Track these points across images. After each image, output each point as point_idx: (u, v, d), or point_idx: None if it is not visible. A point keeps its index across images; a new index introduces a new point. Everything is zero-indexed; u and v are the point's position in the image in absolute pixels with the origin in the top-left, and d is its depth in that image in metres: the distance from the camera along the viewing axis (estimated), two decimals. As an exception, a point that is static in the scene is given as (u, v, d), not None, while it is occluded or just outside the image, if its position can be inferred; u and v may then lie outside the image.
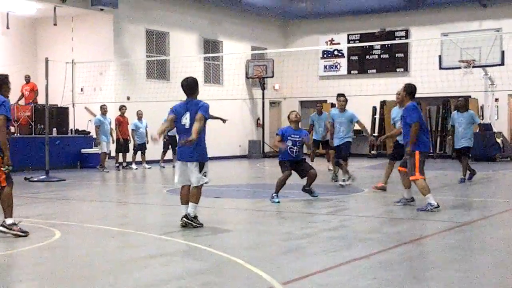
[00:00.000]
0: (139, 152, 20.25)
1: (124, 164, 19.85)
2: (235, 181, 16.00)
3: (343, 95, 14.63)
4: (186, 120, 8.32)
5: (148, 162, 20.46)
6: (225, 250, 6.93)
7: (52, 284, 5.75)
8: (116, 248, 7.20)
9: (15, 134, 18.51)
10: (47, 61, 16.60)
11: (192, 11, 24.77)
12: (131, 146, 20.23)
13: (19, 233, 7.74)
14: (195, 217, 8.34)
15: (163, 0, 23.54)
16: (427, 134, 10.46)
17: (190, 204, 8.34)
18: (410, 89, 10.42)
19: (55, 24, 21.13)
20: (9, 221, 7.81)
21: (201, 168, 8.31)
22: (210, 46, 26.02)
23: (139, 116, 20.20)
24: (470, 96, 24.39)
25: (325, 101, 26.17)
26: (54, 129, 19.16)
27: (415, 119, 9.95)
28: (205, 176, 8.38)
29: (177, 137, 8.65)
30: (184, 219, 8.28)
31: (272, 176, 15.92)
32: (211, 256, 6.74)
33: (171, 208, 11.15)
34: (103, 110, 19.00)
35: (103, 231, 8.28)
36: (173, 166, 19.78)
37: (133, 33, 22.61)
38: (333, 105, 25.87)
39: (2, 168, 7.72)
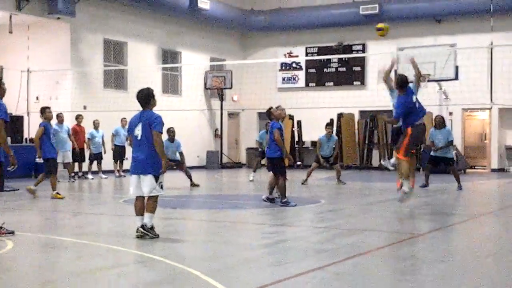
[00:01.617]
0: (95, 162, 20.05)
1: (80, 174, 19.62)
2: (193, 192, 15.93)
3: (330, 124, 15.58)
4: (138, 131, 8.28)
5: (104, 172, 20.26)
6: (181, 261, 6.89)
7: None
8: (70, 259, 7.10)
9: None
10: (1, 69, 16.35)
11: (151, 21, 24.69)
12: (87, 155, 20.01)
13: (7, 234, 8.28)
14: (152, 227, 8.27)
15: (121, 10, 23.40)
16: (416, 116, 10.82)
17: (147, 214, 8.27)
18: (397, 81, 10.97)
19: (10, 32, 20.81)
20: None
21: (156, 179, 8.25)
22: (169, 57, 25.96)
23: (96, 126, 20.02)
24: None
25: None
26: (9, 138, 18.78)
27: (395, 116, 10.82)
28: (161, 187, 8.34)
29: (132, 147, 8.53)
30: (140, 229, 8.21)
31: (230, 187, 15.93)
32: (166, 267, 6.69)
33: (127, 218, 11.05)
34: (60, 118, 18.73)
35: (57, 242, 8.16)
36: (117, 176, 19.81)
37: (91, 42, 22.41)
38: (291, 117, 26.09)
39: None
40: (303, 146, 27.08)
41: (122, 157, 20.43)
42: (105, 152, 20.23)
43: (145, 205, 8.34)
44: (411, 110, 10.71)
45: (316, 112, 25.24)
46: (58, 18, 20.95)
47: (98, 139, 20.02)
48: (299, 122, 26.94)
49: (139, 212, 8.35)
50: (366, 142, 26.05)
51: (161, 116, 8.37)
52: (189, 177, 16.63)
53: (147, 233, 8.18)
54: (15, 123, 19.67)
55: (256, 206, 12.28)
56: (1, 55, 22.20)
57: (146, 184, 8.23)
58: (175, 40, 25.98)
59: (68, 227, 9.74)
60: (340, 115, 26.14)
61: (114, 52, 23.62)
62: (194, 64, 26.20)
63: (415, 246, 8.21)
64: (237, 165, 28.03)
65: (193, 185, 16.57)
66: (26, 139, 20.20)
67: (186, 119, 25.36)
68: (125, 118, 19.92)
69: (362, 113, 26.63)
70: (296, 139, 26.98)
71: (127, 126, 19.78)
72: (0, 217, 8.72)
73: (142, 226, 8.21)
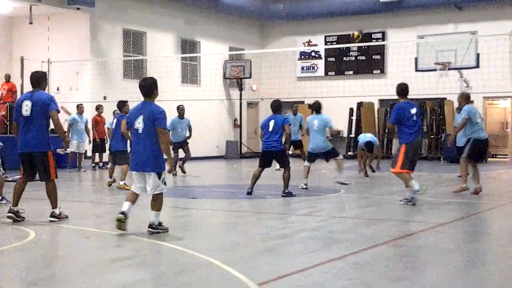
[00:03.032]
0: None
1: (101, 164, 19.72)
2: (212, 182, 15.97)
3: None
4: (139, 124, 7.80)
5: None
6: (201, 251, 6.91)
7: (25, 286, 5.71)
8: (92, 248, 7.15)
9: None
10: (22, 60, 16.46)
11: (169, 11, 24.70)
12: (107, 146, 20.05)
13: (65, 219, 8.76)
14: (160, 224, 7.97)
15: (140, 0, 23.43)
16: (412, 129, 10.68)
17: (153, 212, 7.92)
18: (397, 89, 11.00)
19: (31, 23, 20.93)
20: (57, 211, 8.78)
21: (159, 177, 7.88)
22: (188, 46, 25.97)
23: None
24: (445, 98, 24.66)
25: (303, 102, 26.28)
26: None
27: (390, 121, 10.94)
28: (164, 183, 7.96)
29: (132, 141, 8.09)
30: (149, 229, 7.87)
31: (249, 177, 15.94)
32: (187, 257, 6.72)
33: (147, 208, 11.11)
34: (80, 109, 18.85)
35: (79, 232, 8.22)
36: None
37: (110, 33, 22.48)
38: (310, 106, 25.98)
39: None
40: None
41: None
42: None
43: (149, 201, 8.01)
44: (407, 121, 10.62)
45: (335, 101, 25.13)
46: (78, 8, 21.05)
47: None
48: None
49: (131, 198, 7.96)
50: (386, 131, 25.91)
51: (164, 110, 7.93)
52: (185, 161, 16.67)
53: (157, 231, 7.88)
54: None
55: (276, 196, 12.27)
56: (22, 46, 22.36)
57: (149, 183, 7.86)
58: (194, 29, 25.97)
59: (89, 217, 9.80)
60: (360, 104, 26.02)
61: (134, 42, 23.68)
62: (213, 53, 26.20)
63: (435, 236, 8.16)
64: (256, 155, 28.00)
65: (183, 170, 16.52)
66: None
67: (205, 109, 25.39)
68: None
69: (381, 102, 26.47)
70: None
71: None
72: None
73: (150, 226, 7.88)
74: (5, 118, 18.96)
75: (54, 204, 8.77)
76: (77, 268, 6.31)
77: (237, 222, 9.40)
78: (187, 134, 16.95)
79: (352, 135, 25.86)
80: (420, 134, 10.89)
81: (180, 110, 16.75)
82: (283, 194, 12.04)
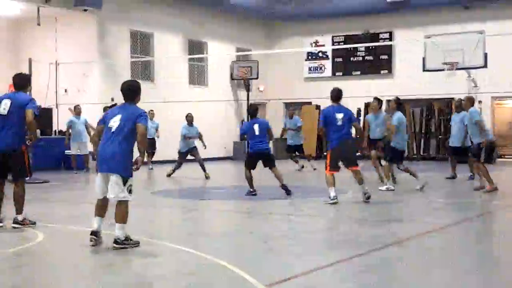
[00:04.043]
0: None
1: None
2: (219, 183, 15.97)
3: (376, 98, 15.48)
4: (114, 123, 7.12)
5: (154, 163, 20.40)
6: (208, 251, 6.92)
7: None
8: (100, 250, 7.16)
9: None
10: (30, 61, 16.52)
11: (176, 12, 24.72)
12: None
13: (31, 226, 8.43)
14: (127, 238, 7.11)
15: (147, 1, 23.47)
16: (336, 134, 10.91)
17: (117, 225, 7.05)
18: (330, 94, 11.34)
19: (38, 24, 20.99)
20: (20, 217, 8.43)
21: (124, 182, 7.08)
22: (195, 47, 25.98)
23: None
24: (453, 98, 24.59)
25: (310, 102, 26.28)
26: (38, 130, 18.99)
27: (319, 124, 11.26)
28: (129, 192, 7.13)
29: (101, 140, 7.33)
30: (114, 245, 7.04)
31: (256, 177, 15.95)
32: (193, 258, 6.73)
33: (156, 210, 11.15)
34: (77, 110, 18.76)
35: (86, 233, 8.22)
36: (150, 168, 19.85)
37: (117, 34, 22.53)
38: (318, 107, 25.98)
39: None
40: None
41: (153, 150, 20.41)
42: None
43: (106, 209, 7.29)
44: (332, 126, 10.87)
45: (343, 102, 25.05)
46: (85, 10, 21.07)
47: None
48: (326, 112, 26.80)
49: (99, 212, 7.24)
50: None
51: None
52: (203, 166, 16.60)
53: (123, 246, 7.04)
54: (44, 116, 19.88)
55: (283, 196, 12.27)
56: (30, 47, 22.42)
57: (112, 185, 7.05)
58: (201, 30, 25.99)
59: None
60: (367, 104, 25.97)
61: (141, 43, 23.72)
62: (220, 54, 26.21)
63: (443, 237, 8.14)
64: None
65: (207, 176, 16.50)
66: (55, 131, 20.40)
67: (213, 110, 25.41)
68: (152, 110, 20.00)
69: (389, 102, 26.40)
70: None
71: (154, 119, 20.07)
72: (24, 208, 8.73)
73: (116, 241, 7.05)
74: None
75: (20, 210, 8.41)
76: (84, 269, 6.32)
77: (244, 223, 9.41)
78: (195, 143, 16.89)
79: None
80: (346, 137, 10.98)
81: (189, 117, 16.77)
82: (285, 189, 12.30)
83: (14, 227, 8.35)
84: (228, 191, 14.24)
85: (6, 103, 8.42)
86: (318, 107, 26.24)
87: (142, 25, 23.45)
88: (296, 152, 19.47)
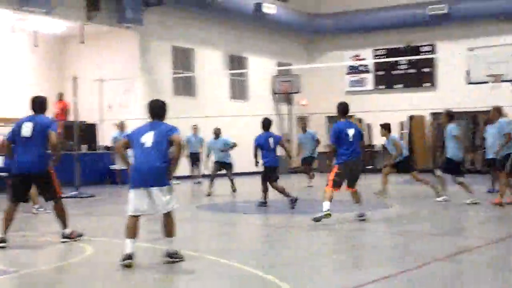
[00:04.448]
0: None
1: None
2: (261, 197, 15.93)
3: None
4: (147, 139, 7.09)
5: (177, 178, 20.47)
6: (254, 266, 6.89)
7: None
8: (146, 264, 7.19)
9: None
10: (75, 78, 16.77)
11: (217, 27, 24.90)
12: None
13: (78, 238, 8.51)
14: (176, 252, 7.13)
15: (188, 17, 23.69)
16: (347, 150, 10.42)
17: (168, 239, 7.11)
18: (338, 108, 10.74)
19: (82, 42, 21.37)
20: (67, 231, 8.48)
21: (169, 190, 7.07)
22: (236, 62, 26.11)
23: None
24: (498, 111, 24.21)
25: (351, 116, 26.11)
26: (83, 146, 19.33)
27: (330, 141, 10.71)
28: (174, 200, 7.15)
29: (134, 157, 7.21)
30: (167, 259, 7.06)
31: (300, 192, 15.88)
32: (240, 273, 6.70)
33: (200, 223, 11.18)
34: (121, 126, 19.00)
35: (135, 247, 8.27)
36: (195, 182, 19.92)
37: (159, 50, 22.78)
38: (360, 120, 25.84)
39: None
40: (373, 150, 26.77)
41: (197, 163, 20.48)
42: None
43: (162, 224, 7.17)
44: (344, 142, 10.39)
45: (385, 115, 24.86)
46: (127, 27, 21.41)
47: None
48: (368, 126, 26.65)
49: (132, 233, 7.05)
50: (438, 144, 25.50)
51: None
52: (231, 178, 16.66)
53: (174, 260, 7.08)
54: (89, 131, 20.19)
55: (334, 210, 12.15)
56: (74, 64, 22.82)
57: (155, 199, 6.99)
58: (241, 45, 26.12)
59: (144, 233, 9.84)
60: (411, 118, 25.72)
61: (182, 59, 23.94)
62: (261, 69, 26.28)
63: (494, 251, 7.97)
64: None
65: (233, 189, 16.50)
66: (99, 146, 20.68)
67: (254, 124, 25.41)
68: (195, 125, 20.13)
69: (433, 115, 26.10)
70: (366, 142, 26.69)
71: (197, 133, 20.18)
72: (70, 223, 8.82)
73: (169, 255, 7.07)
74: (60, 136, 19.34)
75: (64, 224, 8.50)
76: (132, 282, 6.35)
77: (289, 237, 9.35)
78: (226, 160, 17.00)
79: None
80: (357, 156, 10.47)
81: (217, 130, 17.11)
82: (292, 200, 12.60)
83: (63, 242, 8.39)
84: (272, 205, 14.17)
85: (28, 125, 8.41)
86: (360, 120, 26.10)
87: (183, 41, 23.68)
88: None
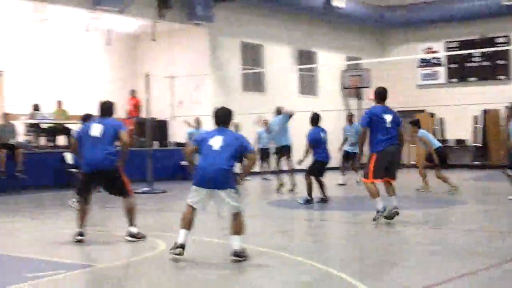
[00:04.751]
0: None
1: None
2: (333, 193, 15.84)
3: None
4: (216, 142, 7.21)
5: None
6: (325, 263, 6.86)
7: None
8: (219, 259, 7.25)
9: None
10: (147, 76, 17.07)
11: (286, 23, 24.87)
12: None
13: (142, 239, 8.46)
14: (243, 250, 7.11)
15: (257, 13, 23.75)
16: (384, 136, 9.68)
17: (236, 237, 7.10)
18: (374, 93, 10.23)
19: (154, 40, 21.73)
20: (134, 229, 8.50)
21: (236, 192, 7.18)
22: (305, 57, 26.02)
23: (236, 129, 20.40)
24: None
25: (423, 110, 25.65)
26: (155, 142, 19.68)
27: (362, 123, 9.94)
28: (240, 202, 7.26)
29: (201, 158, 7.31)
30: (234, 257, 7.01)
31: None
32: (313, 269, 6.68)
33: (272, 220, 11.19)
34: (198, 123, 19.26)
35: (206, 243, 8.37)
36: (263, 178, 19.94)
37: (229, 47, 22.94)
38: (432, 115, 25.33)
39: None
40: (446, 145, 26.19)
41: (267, 159, 20.56)
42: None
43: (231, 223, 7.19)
44: (380, 128, 9.63)
45: (459, 109, 24.33)
46: (197, 24, 21.64)
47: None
48: (441, 120, 26.10)
49: (187, 224, 7.21)
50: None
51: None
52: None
53: (242, 259, 7.05)
54: (161, 128, 20.54)
55: (400, 207, 11.97)
56: (146, 62, 23.24)
57: (223, 201, 7.13)
58: (310, 40, 26.00)
59: (215, 228, 9.95)
60: (485, 112, 25.05)
61: (251, 55, 24.03)
62: (330, 64, 26.09)
63: None
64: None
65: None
66: (171, 142, 20.99)
67: (324, 119, 25.26)
68: (266, 120, 20.17)
69: (508, 109, 25.34)
70: (439, 137, 26.13)
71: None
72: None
73: (236, 254, 7.02)
74: (132, 132, 19.77)
75: (131, 222, 8.55)
76: (206, 278, 6.42)
77: (360, 234, 9.26)
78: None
79: (478, 144, 24.97)
80: (395, 144, 9.72)
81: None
82: (323, 199, 12.69)
83: (128, 240, 8.43)
84: (341, 202, 14.08)
85: (98, 126, 8.62)
86: (432, 115, 25.61)
87: (253, 37, 23.76)
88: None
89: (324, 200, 12.77)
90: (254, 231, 9.81)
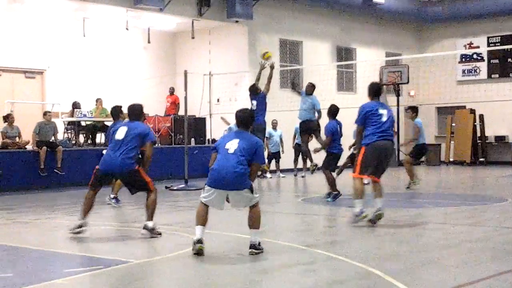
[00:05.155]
0: (273, 161, 20.49)
1: (259, 173, 20.10)
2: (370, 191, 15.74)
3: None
4: (231, 145, 7.33)
5: (283, 171, 20.62)
6: (361, 260, 6.82)
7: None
8: (254, 256, 7.27)
9: (157, 145, 19.28)
10: (186, 73, 17.17)
11: (325, 19, 24.75)
12: (265, 154, 20.52)
13: (156, 235, 8.51)
14: (259, 243, 7.34)
15: (296, 10, 23.69)
16: (377, 129, 9.30)
17: (254, 231, 7.33)
18: (368, 88, 9.78)
19: (193, 38, 21.86)
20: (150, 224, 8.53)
21: (251, 191, 7.32)
22: (343, 54, 25.87)
23: (274, 126, 20.43)
24: None
25: (464, 106, 25.28)
26: (192, 139, 19.80)
27: (357, 122, 9.54)
28: (256, 193, 7.44)
29: (217, 160, 7.41)
30: (252, 250, 7.24)
31: (405, 185, 15.58)
32: (348, 267, 6.65)
33: (307, 217, 11.18)
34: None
35: (241, 240, 8.39)
36: (301, 176, 19.89)
37: (267, 44, 22.89)
38: (472, 111, 24.93)
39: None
40: (487, 141, 25.81)
41: (279, 159, 20.64)
42: (283, 152, 20.59)
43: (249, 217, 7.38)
44: (373, 122, 9.28)
45: (499, 105, 23.90)
46: (237, 21, 21.70)
47: (276, 138, 20.42)
48: (481, 116, 25.69)
49: (202, 220, 7.37)
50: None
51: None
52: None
53: (258, 251, 7.28)
54: (199, 125, 20.65)
55: (437, 204, 11.87)
56: (185, 59, 23.38)
57: (239, 200, 7.36)
58: (349, 36, 25.84)
59: (243, 224, 9.97)
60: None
61: (290, 51, 23.98)
62: (369, 60, 25.89)
63: None
64: (415, 163, 27.19)
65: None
66: (208, 139, 21.11)
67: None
68: (275, 120, 20.33)
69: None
70: (479, 134, 25.75)
71: (278, 129, 20.38)
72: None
73: (254, 247, 7.25)
74: (169, 129, 19.92)
75: (150, 216, 8.60)
76: (240, 274, 6.44)
77: (397, 232, 9.17)
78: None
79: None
80: (389, 139, 9.35)
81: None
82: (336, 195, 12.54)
83: (142, 234, 8.52)
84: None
85: (123, 129, 8.70)
86: (472, 111, 25.23)
87: (292, 34, 23.71)
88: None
89: (333, 195, 12.59)
90: (289, 229, 9.82)
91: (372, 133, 9.21)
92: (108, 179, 8.84)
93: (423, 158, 15.92)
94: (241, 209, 7.76)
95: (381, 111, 9.34)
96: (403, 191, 14.93)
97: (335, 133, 12.65)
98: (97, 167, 8.73)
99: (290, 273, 6.49)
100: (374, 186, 9.44)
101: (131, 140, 8.63)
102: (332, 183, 12.60)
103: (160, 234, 8.58)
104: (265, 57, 14.35)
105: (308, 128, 14.80)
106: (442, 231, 9.20)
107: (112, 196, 12.21)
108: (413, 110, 15.54)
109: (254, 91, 14.56)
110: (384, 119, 9.30)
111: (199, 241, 7.20)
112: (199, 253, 7.19)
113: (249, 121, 7.63)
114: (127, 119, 9.42)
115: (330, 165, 12.73)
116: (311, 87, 15.63)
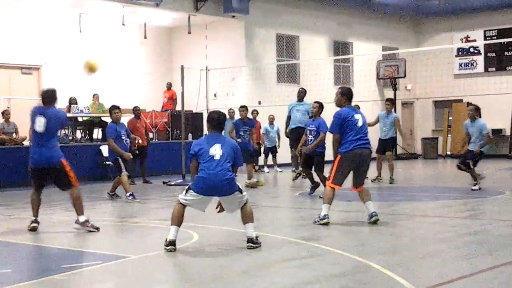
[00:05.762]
0: (270, 156, 20.51)
1: (256, 167, 20.12)
2: (366, 184, 15.76)
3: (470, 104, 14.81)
4: (215, 151, 7.32)
5: (279, 166, 20.64)
6: (359, 254, 6.84)
7: (189, 286, 5.92)
8: (251, 250, 7.28)
9: (154, 140, 19.27)
10: (182, 68, 17.15)
11: (321, 13, 24.73)
12: (262, 149, 20.52)
13: (91, 229, 8.59)
14: (257, 237, 7.42)
15: (292, 4, 23.67)
16: (354, 136, 8.96)
17: (250, 225, 7.39)
18: (344, 92, 9.31)
19: (189, 33, 21.83)
20: (82, 218, 8.67)
21: (241, 192, 7.41)
22: (340, 48, 25.86)
23: (271, 121, 20.44)
24: None
25: (461, 100, 25.31)
26: (190, 134, 19.79)
27: (334, 130, 9.07)
28: (244, 192, 7.52)
29: (202, 167, 7.35)
30: (250, 244, 7.29)
31: (406, 178, 15.61)
32: (346, 260, 6.66)
33: (303, 211, 11.18)
34: (230, 114, 19.20)
35: (239, 234, 8.39)
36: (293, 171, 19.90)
37: (264, 38, 22.91)
38: (469, 104, 24.92)
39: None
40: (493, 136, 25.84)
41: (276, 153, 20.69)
42: (279, 146, 20.61)
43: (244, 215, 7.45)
44: (350, 129, 8.94)
45: (496, 99, 23.91)
46: (233, 16, 21.67)
47: (273, 133, 20.43)
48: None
49: (178, 221, 7.33)
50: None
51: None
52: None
53: (256, 245, 7.34)
54: (196, 120, 20.63)
55: (434, 198, 11.88)
56: (181, 54, 23.37)
57: (230, 203, 7.46)
58: (346, 31, 25.83)
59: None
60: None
61: (287, 46, 23.97)
62: (366, 54, 25.88)
63: None
64: (412, 156, 27.35)
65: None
66: (205, 135, 21.10)
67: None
68: (272, 115, 20.34)
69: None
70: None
71: (274, 124, 20.40)
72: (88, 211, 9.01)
73: (251, 241, 7.32)
74: (166, 124, 19.90)
75: (79, 211, 8.68)
76: (238, 269, 6.45)
77: (395, 225, 9.19)
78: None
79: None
80: (366, 147, 9.04)
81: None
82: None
83: (75, 228, 8.67)
84: (376, 193, 13.99)
85: (41, 120, 8.68)
86: (469, 104, 25.22)
87: (288, 28, 23.69)
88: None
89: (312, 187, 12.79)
90: (286, 223, 9.83)
91: (349, 140, 8.95)
92: (44, 175, 8.81)
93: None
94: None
95: (356, 116, 9.08)
96: (400, 185, 14.96)
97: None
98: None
99: (288, 267, 6.50)
100: (360, 193, 9.27)
101: (50, 130, 8.72)
102: (324, 181, 12.51)
103: (97, 228, 8.63)
104: (89, 69, 11.19)
105: (300, 136, 14.66)
106: (439, 224, 9.23)
107: (127, 194, 12.19)
108: (392, 102, 16.26)
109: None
110: (360, 124, 9.05)
111: (172, 243, 7.20)
112: (171, 253, 7.16)
113: (223, 124, 7.66)
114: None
115: (323, 165, 12.49)
116: (303, 93, 15.94)
